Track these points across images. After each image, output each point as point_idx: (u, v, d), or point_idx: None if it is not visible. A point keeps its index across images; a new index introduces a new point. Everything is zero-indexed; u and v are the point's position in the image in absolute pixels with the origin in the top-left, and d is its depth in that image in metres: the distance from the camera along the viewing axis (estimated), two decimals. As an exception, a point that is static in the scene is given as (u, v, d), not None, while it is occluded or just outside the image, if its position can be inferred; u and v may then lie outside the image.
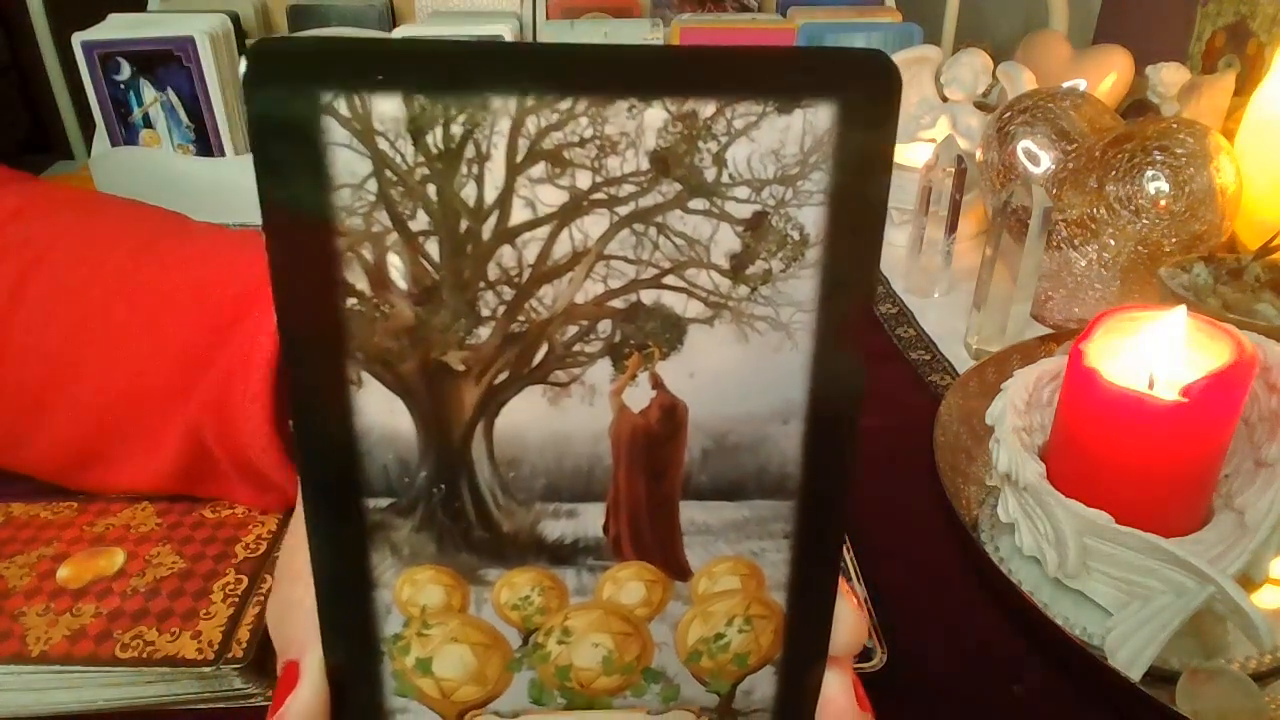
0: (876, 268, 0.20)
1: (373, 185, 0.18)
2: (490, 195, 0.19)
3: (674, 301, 0.20)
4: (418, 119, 0.18)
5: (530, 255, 0.19)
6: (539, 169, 0.18)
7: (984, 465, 0.54)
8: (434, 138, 0.18)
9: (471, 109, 0.18)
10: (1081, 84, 0.98)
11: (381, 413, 0.20)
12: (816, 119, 0.18)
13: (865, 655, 0.41)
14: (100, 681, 0.38)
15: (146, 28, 0.93)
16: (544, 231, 0.19)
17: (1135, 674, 0.39)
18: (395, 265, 0.19)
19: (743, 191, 0.19)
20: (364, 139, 0.18)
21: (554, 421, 0.21)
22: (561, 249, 0.19)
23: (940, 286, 0.82)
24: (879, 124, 0.18)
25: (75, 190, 0.51)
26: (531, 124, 0.18)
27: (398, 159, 0.18)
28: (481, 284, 0.19)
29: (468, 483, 0.21)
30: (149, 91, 0.94)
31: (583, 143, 0.18)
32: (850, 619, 0.24)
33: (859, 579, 0.46)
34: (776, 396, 0.21)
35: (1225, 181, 0.66)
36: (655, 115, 0.18)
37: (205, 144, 0.96)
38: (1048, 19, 1.19)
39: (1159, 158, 0.66)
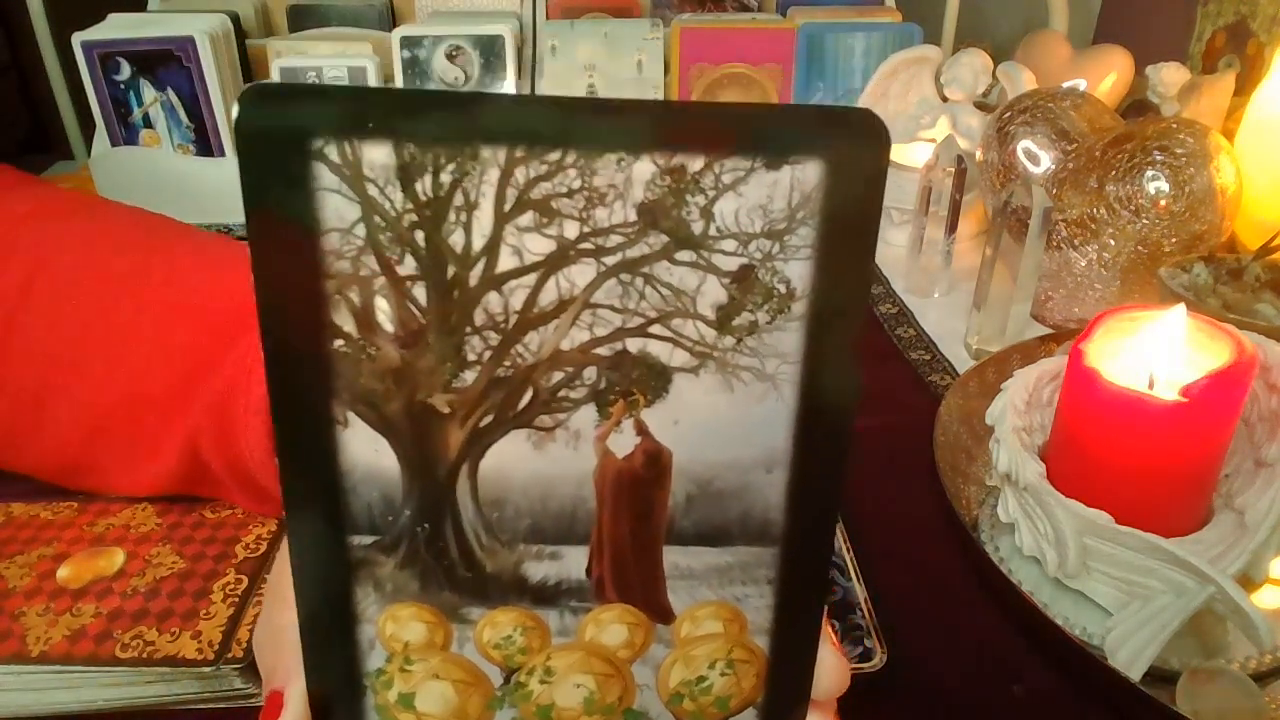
0: (863, 320, 0.20)
1: (361, 230, 0.18)
2: (478, 242, 0.19)
3: (660, 350, 0.20)
4: (407, 167, 0.18)
5: (517, 302, 0.19)
6: (527, 218, 0.19)
7: (984, 465, 0.54)
8: (423, 185, 0.18)
9: (461, 158, 0.18)
10: (1081, 84, 0.98)
11: (366, 452, 0.20)
12: (804, 175, 0.18)
13: (865, 655, 0.41)
14: (100, 681, 0.38)
15: (146, 28, 0.93)
16: (531, 279, 0.19)
17: (1135, 674, 0.39)
18: (382, 309, 0.19)
19: (730, 245, 0.19)
20: (354, 185, 0.18)
21: (538, 464, 0.21)
22: (548, 297, 0.19)
23: (940, 286, 0.82)
24: (867, 181, 0.19)
25: (86, 196, 0.52)
26: (520, 174, 0.18)
27: (386, 205, 0.18)
28: (468, 329, 0.19)
29: (452, 522, 0.21)
30: (149, 91, 0.94)
31: (571, 194, 0.18)
32: (832, 663, 0.24)
33: (859, 579, 0.46)
34: (761, 445, 0.21)
35: (1225, 181, 0.66)
36: (643, 168, 0.18)
37: (205, 144, 0.96)
38: (1048, 19, 1.19)
39: (1159, 158, 0.66)
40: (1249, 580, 0.41)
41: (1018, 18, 1.43)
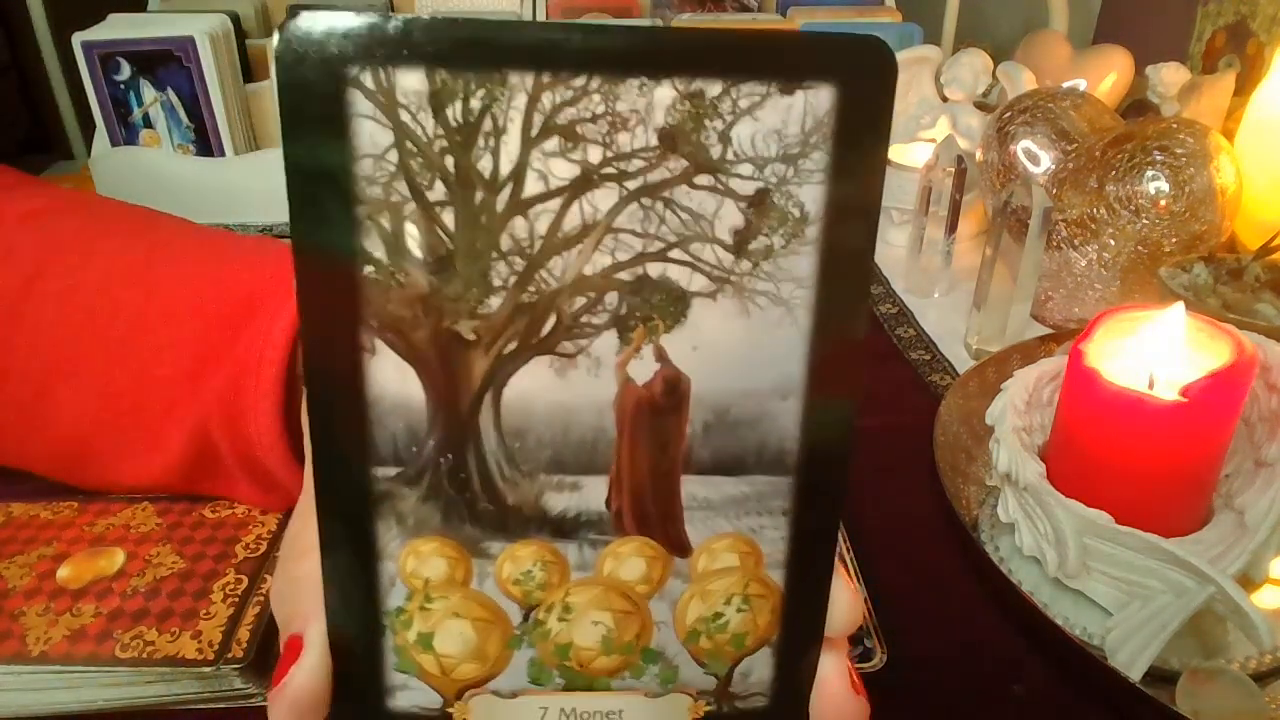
0: (873, 246, 0.20)
1: (393, 156, 0.19)
2: (505, 168, 0.19)
3: (679, 275, 0.20)
4: (439, 93, 0.18)
5: (542, 227, 0.20)
6: (553, 143, 0.19)
7: (984, 465, 0.54)
8: (454, 111, 0.19)
9: (490, 84, 0.18)
10: (1081, 84, 0.98)
11: (393, 381, 0.20)
12: (817, 100, 0.19)
13: (865, 655, 0.41)
14: (100, 681, 0.38)
15: (146, 28, 0.93)
16: (555, 204, 0.20)
17: (1135, 674, 0.39)
18: (412, 234, 0.19)
19: (746, 169, 0.20)
20: (387, 111, 0.18)
21: (560, 392, 0.21)
22: (572, 221, 0.20)
23: (940, 286, 0.82)
24: (875, 106, 0.19)
25: (88, 194, 0.52)
26: (547, 99, 0.19)
27: (418, 131, 0.19)
28: (494, 254, 0.20)
29: (474, 453, 0.21)
30: (149, 91, 0.94)
31: (595, 119, 0.19)
32: (845, 599, 0.24)
33: (859, 579, 0.46)
34: (776, 372, 0.21)
35: (1225, 181, 0.66)
36: (664, 93, 0.19)
37: (205, 144, 0.96)
38: (1048, 19, 1.19)
39: (1159, 158, 0.66)
40: (1249, 580, 0.41)
41: (1018, 18, 1.43)
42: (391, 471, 0.21)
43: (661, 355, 0.21)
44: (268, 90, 0.98)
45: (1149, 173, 0.66)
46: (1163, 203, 0.66)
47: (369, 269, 0.20)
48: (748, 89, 0.19)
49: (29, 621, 0.39)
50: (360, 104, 0.18)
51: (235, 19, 0.98)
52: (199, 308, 0.43)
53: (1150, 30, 1.30)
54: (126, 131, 0.96)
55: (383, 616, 0.22)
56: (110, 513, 0.45)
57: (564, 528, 0.22)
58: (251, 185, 0.96)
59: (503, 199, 0.19)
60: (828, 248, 0.20)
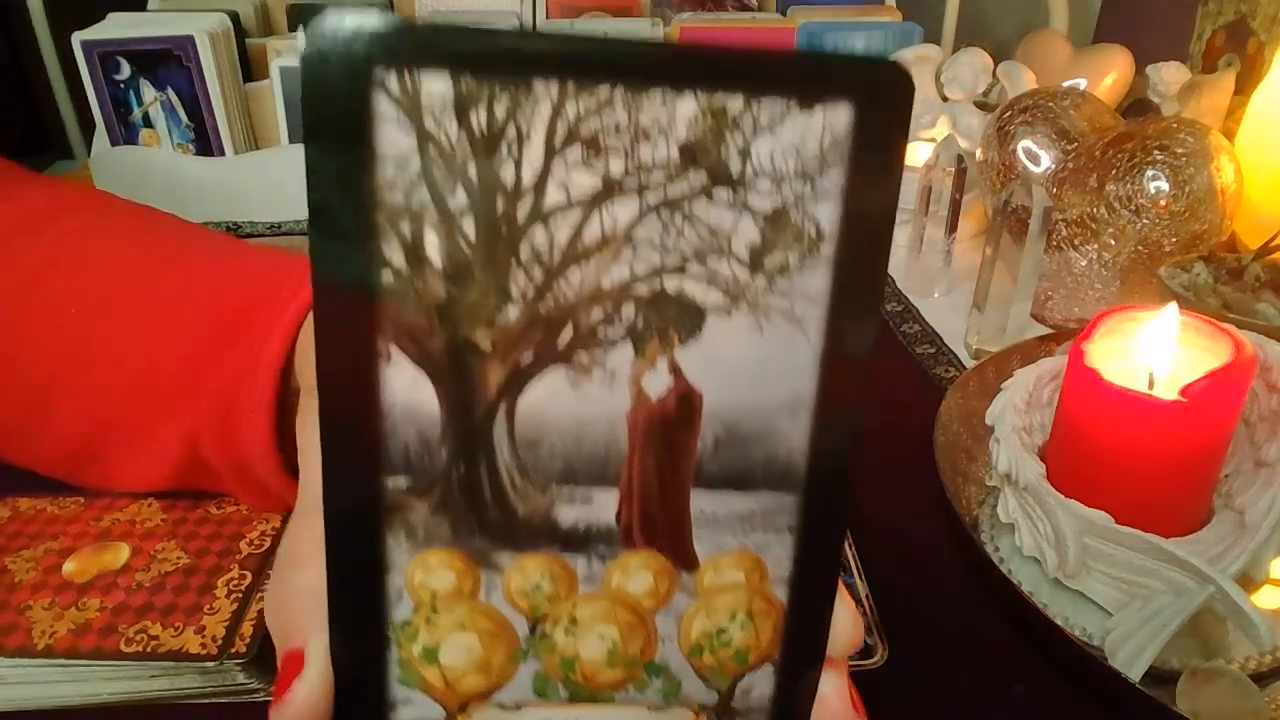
0: (886, 265, 0.21)
1: (415, 161, 0.19)
2: (528, 177, 0.19)
3: (695, 289, 0.20)
4: (464, 98, 0.18)
5: (562, 237, 0.20)
6: (575, 153, 0.19)
7: (984, 465, 0.54)
8: (478, 118, 0.19)
9: (515, 91, 0.18)
10: (1081, 83, 0.98)
11: (407, 389, 0.20)
12: (836, 119, 0.19)
13: (866, 652, 0.42)
14: (104, 675, 0.38)
15: (146, 27, 0.93)
16: (576, 215, 0.20)
17: (1135, 674, 0.39)
18: (431, 241, 0.19)
19: (765, 185, 0.20)
20: (410, 115, 0.18)
21: (574, 404, 0.21)
22: (592, 232, 0.20)
23: (940, 286, 0.82)
24: (892, 126, 0.19)
25: (97, 193, 0.52)
26: (571, 109, 0.19)
27: (441, 136, 0.19)
28: (513, 264, 0.20)
29: (487, 463, 0.21)
30: (149, 91, 0.94)
31: (618, 130, 0.19)
32: (848, 620, 0.24)
33: (860, 577, 0.46)
34: (787, 388, 0.21)
35: (1225, 181, 0.66)
36: (687, 107, 0.19)
37: (205, 144, 0.96)
38: (1048, 19, 1.19)
39: (1159, 157, 0.66)
40: (1249, 580, 0.41)
41: (1018, 18, 1.43)
42: (403, 481, 0.21)
43: (675, 369, 0.21)
44: (267, 90, 0.98)
45: (1149, 172, 0.66)
46: (1163, 202, 0.66)
47: (387, 274, 0.19)
48: (768, 105, 0.19)
49: (35, 615, 0.39)
50: (384, 107, 0.18)
51: (235, 18, 0.98)
52: (197, 314, 0.42)
53: (1150, 30, 1.30)
54: (126, 131, 0.96)
55: (388, 629, 0.22)
56: (116, 508, 0.46)
57: (573, 540, 0.22)
58: (251, 184, 0.96)
59: (524, 208, 0.19)
60: (841, 265, 0.20)
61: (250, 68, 1.01)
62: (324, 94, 0.18)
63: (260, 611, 0.40)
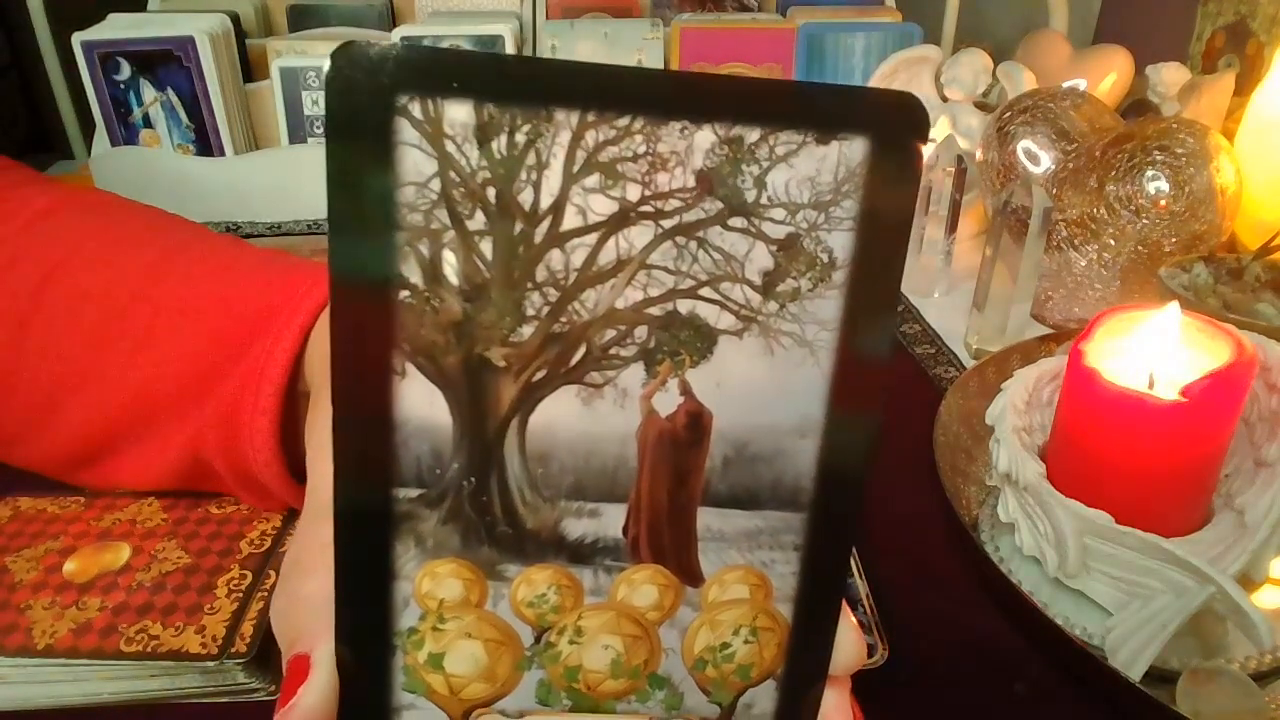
0: (898, 292, 0.21)
1: (436, 185, 0.19)
2: (546, 201, 0.20)
3: (707, 313, 0.21)
4: (485, 126, 0.19)
5: (577, 260, 0.20)
6: (593, 180, 0.20)
7: (984, 465, 0.54)
8: (499, 144, 0.19)
9: (536, 120, 0.19)
10: (1081, 84, 0.98)
11: (421, 404, 0.21)
12: (851, 151, 0.20)
13: (867, 651, 0.42)
14: (105, 675, 0.38)
15: (146, 28, 0.93)
16: (592, 239, 0.20)
17: (1135, 674, 0.39)
18: (449, 262, 0.20)
19: (779, 213, 0.20)
20: (433, 141, 0.19)
21: (585, 421, 0.22)
22: (607, 256, 0.20)
23: (940, 286, 0.82)
24: (906, 159, 0.20)
25: (103, 194, 0.51)
26: (590, 137, 0.19)
27: (462, 161, 0.19)
28: (529, 285, 0.20)
29: (497, 477, 0.22)
30: (149, 91, 0.94)
31: (636, 158, 0.19)
32: (850, 639, 0.24)
33: (861, 576, 0.46)
34: (796, 411, 0.22)
35: (1225, 181, 0.66)
36: (704, 137, 0.19)
37: (205, 144, 0.96)
38: (1048, 19, 1.19)
39: (1159, 158, 0.66)
40: (1249, 580, 0.41)
41: (1018, 18, 1.43)
42: (414, 493, 0.21)
43: (686, 389, 0.21)
44: (267, 90, 0.98)
45: (1149, 173, 0.66)
46: (1163, 203, 0.66)
47: (404, 293, 0.20)
48: (785, 137, 0.20)
49: (35, 614, 0.39)
50: (407, 132, 0.19)
51: (235, 19, 0.98)
52: (205, 322, 0.42)
53: (1150, 30, 1.30)
54: (126, 131, 0.96)
55: (394, 637, 0.22)
56: (116, 508, 0.46)
57: (581, 553, 0.23)
58: (251, 185, 0.96)
59: (541, 231, 0.20)
60: (853, 293, 0.21)
61: (250, 68, 1.01)
62: (348, 118, 0.19)
63: (261, 611, 0.40)
